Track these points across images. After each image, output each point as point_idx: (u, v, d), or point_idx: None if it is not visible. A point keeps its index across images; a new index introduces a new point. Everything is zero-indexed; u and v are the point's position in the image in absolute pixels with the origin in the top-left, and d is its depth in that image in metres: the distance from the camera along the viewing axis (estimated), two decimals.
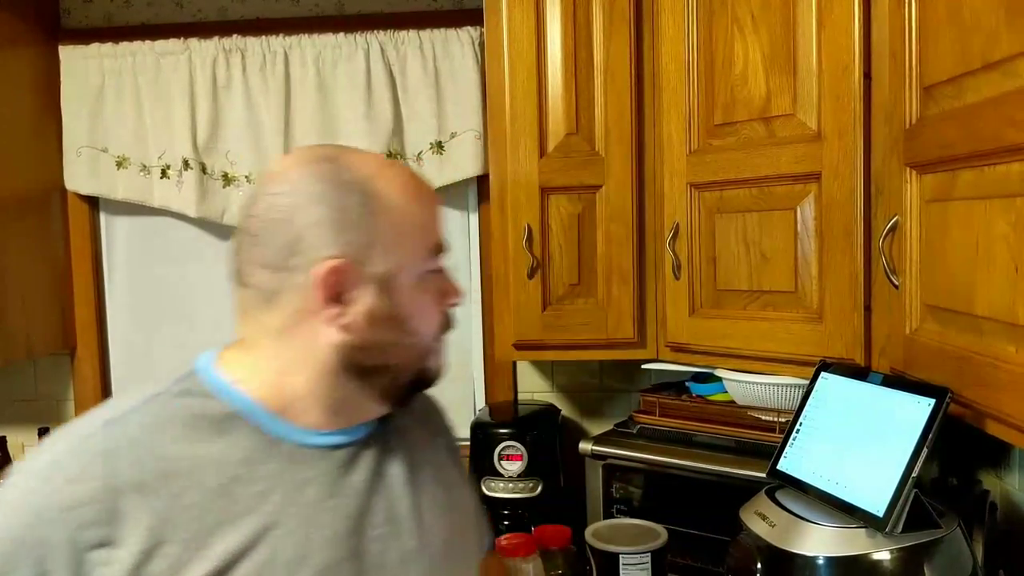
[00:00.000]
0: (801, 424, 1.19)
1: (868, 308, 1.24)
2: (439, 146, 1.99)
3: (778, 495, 1.18)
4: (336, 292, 0.80)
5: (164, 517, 0.76)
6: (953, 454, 1.36)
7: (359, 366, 0.84)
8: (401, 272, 0.83)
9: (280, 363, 0.84)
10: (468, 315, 2.10)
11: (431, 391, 0.97)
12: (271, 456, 0.82)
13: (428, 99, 1.98)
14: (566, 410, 2.05)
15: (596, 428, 1.93)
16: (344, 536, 0.83)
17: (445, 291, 0.89)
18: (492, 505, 1.77)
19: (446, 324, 0.90)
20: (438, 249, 0.88)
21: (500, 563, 1.24)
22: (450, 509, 0.95)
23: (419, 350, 0.87)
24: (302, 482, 0.83)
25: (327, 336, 0.82)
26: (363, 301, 0.82)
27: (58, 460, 0.77)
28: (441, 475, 0.97)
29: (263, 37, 1.99)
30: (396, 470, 0.91)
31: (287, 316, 0.82)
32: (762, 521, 1.14)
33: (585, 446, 1.65)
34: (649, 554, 1.41)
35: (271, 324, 0.83)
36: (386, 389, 0.87)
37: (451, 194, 2.06)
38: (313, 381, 0.84)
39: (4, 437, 2.06)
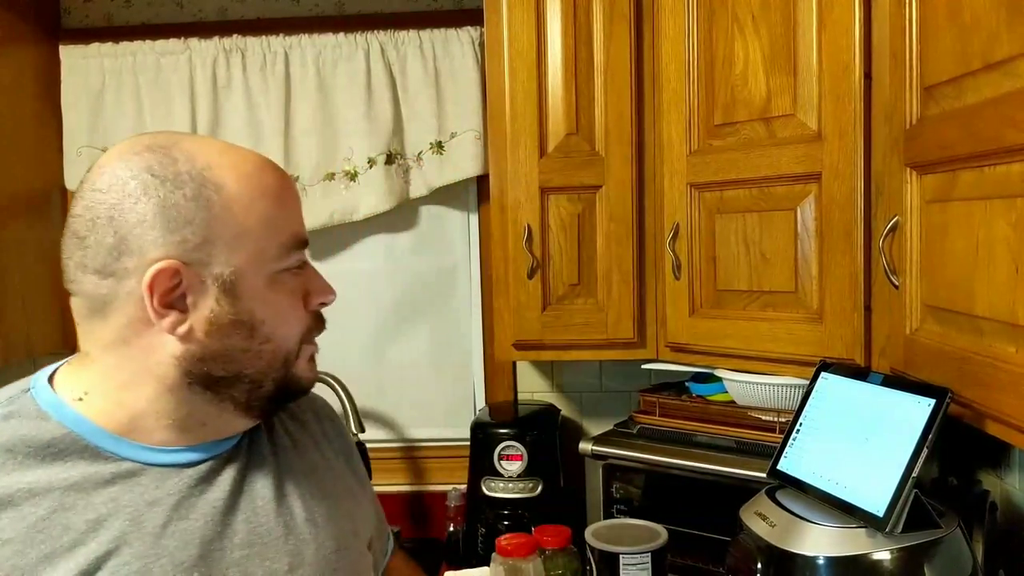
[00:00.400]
0: (801, 424, 1.19)
1: (868, 308, 1.24)
2: (439, 146, 1.99)
3: (778, 495, 1.18)
4: (171, 297, 0.74)
5: None
6: (953, 454, 1.36)
7: (206, 377, 0.77)
8: (247, 272, 0.76)
9: (119, 378, 0.77)
10: (468, 315, 2.10)
11: (312, 395, 0.92)
12: (109, 479, 0.75)
13: (428, 99, 1.98)
14: (566, 410, 2.05)
15: (596, 428, 1.93)
16: (193, 563, 0.76)
17: (311, 289, 0.82)
18: (492, 505, 1.77)
19: (314, 326, 0.83)
20: (296, 244, 0.80)
21: (408, 563, 1.18)
22: (335, 523, 0.88)
23: (278, 356, 0.79)
24: (146, 505, 0.75)
25: (167, 347, 0.75)
26: (204, 306, 0.75)
27: None
28: (326, 486, 0.90)
29: (263, 37, 1.99)
30: (263, 484, 0.83)
31: (122, 326, 0.75)
32: (762, 521, 1.14)
33: (585, 446, 1.65)
34: (649, 554, 1.41)
35: (106, 336, 0.76)
36: (244, 401, 0.79)
37: (451, 194, 2.06)
38: (156, 396, 0.77)
39: None
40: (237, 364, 0.77)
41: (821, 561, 1.04)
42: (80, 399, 0.77)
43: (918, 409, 1.00)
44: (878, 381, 1.10)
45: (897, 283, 1.11)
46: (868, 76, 1.21)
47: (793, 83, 1.32)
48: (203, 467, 0.80)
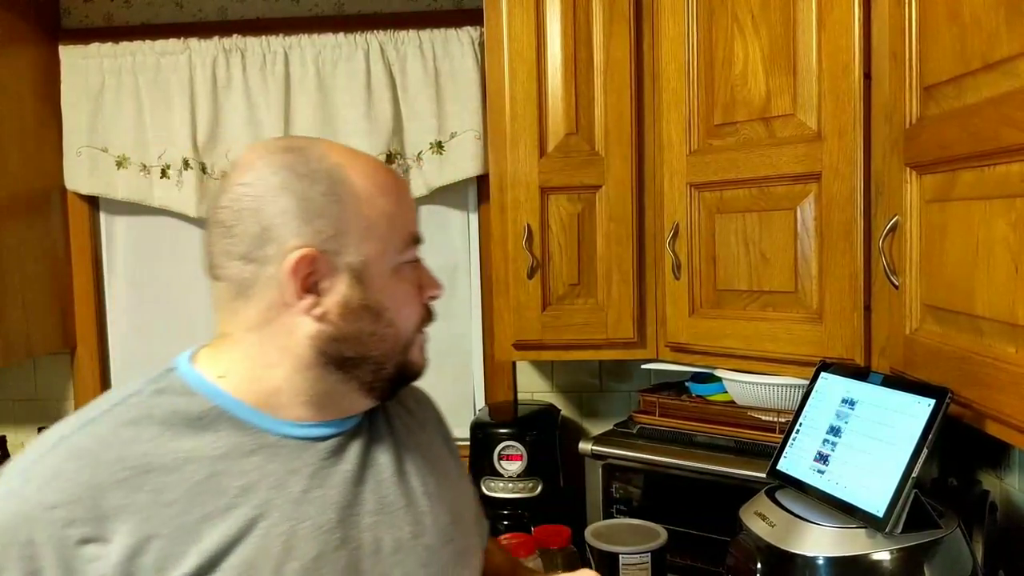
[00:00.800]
0: (801, 424, 1.19)
1: (868, 308, 1.24)
2: (439, 146, 1.99)
3: (778, 495, 1.18)
4: (308, 282, 0.80)
5: (148, 513, 0.76)
6: (953, 454, 1.36)
7: (338, 358, 0.83)
8: (374, 261, 0.83)
9: (259, 357, 0.83)
10: (468, 315, 2.10)
11: (421, 385, 0.97)
12: (254, 449, 0.82)
13: (428, 99, 1.98)
14: (566, 410, 2.05)
15: (596, 428, 1.93)
16: (333, 526, 0.83)
17: (423, 283, 0.89)
18: (492, 505, 1.77)
19: (427, 317, 0.90)
20: (413, 240, 0.87)
21: (502, 548, 1.23)
22: (446, 498, 0.95)
23: (399, 341, 0.86)
24: (287, 474, 0.82)
25: (303, 328, 0.82)
26: (337, 291, 0.82)
27: (40, 461, 0.77)
28: (435, 465, 0.97)
29: (263, 37, 1.99)
30: (385, 460, 0.90)
31: (263, 309, 0.82)
32: (762, 521, 1.14)
33: (585, 446, 1.65)
34: (649, 554, 1.41)
35: (248, 317, 0.83)
36: (369, 382, 0.86)
37: (451, 194, 2.06)
38: (293, 374, 0.83)
39: (4, 437, 2.06)
40: (364, 346, 0.84)
41: (821, 561, 1.04)
42: (222, 376, 0.84)
43: (918, 409, 1.00)
44: (878, 381, 1.10)
45: (897, 283, 1.11)
46: (868, 76, 1.21)
47: (793, 83, 1.32)
48: (333, 441, 0.86)
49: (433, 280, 0.91)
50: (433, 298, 0.90)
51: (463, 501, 1.00)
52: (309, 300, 0.81)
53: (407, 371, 0.89)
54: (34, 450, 0.79)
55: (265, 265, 0.80)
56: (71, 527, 0.73)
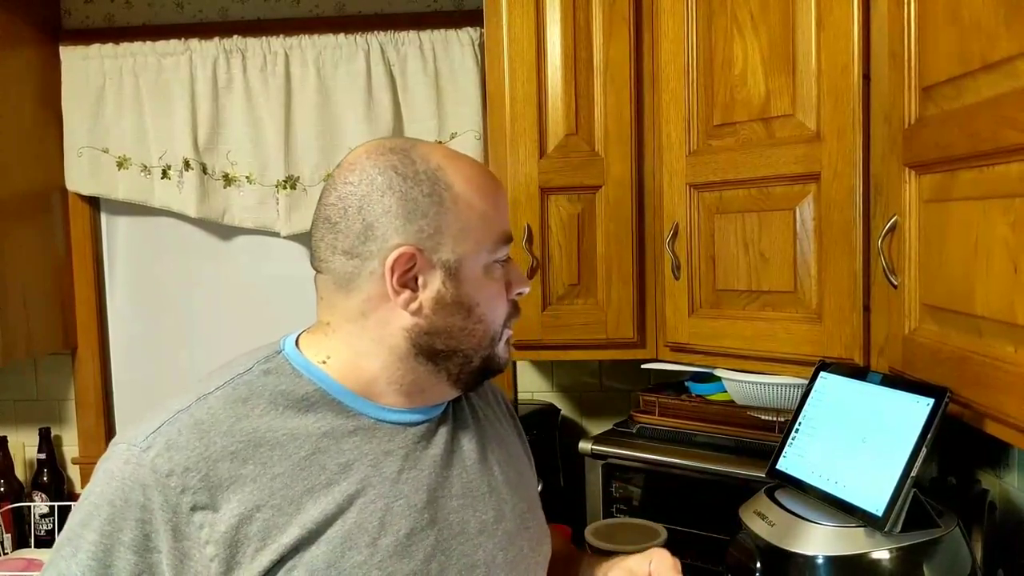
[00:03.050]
0: (800, 424, 1.19)
1: (867, 308, 1.24)
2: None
3: (777, 494, 1.18)
4: (406, 278, 0.85)
5: (257, 484, 0.81)
6: (952, 454, 1.36)
7: (430, 349, 0.88)
8: (468, 260, 0.87)
9: (357, 346, 0.89)
10: None
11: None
12: (353, 430, 0.87)
13: (428, 100, 1.98)
14: (566, 410, 2.05)
15: (596, 428, 1.93)
16: (423, 506, 0.88)
17: (512, 280, 0.93)
18: None
19: (513, 313, 0.94)
20: (505, 239, 0.91)
21: (557, 532, 1.26)
22: (521, 486, 1.01)
23: (487, 336, 0.91)
24: (383, 454, 0.88)
25: (399, 320, 0.87)
26: (432, 287, 0.87)
27: (158, 432, 0.81)
28: (510, 454, 1.03)
29: (263, 38, 2.00)
30: (468, 447, 0.96)
31: (362, 300, 0.87)
32: (761, 520, 1.14)
33: (585, 445, 1.65)
34: None
35: (348, 308, 0.88)
36: (456, 373, 0.91)
37: None
38: (388, 364, 0.89)
39: (4, 437, 2.06)
40: (455, 340, 0.89)
41: (820, 560, 1.05)
42: (324, 362, 0.89)
43: (917, 408, 1.00)
44: (877, 381, 1.10)
45: (896, 283, 1.11)
46: (867, 76, 1.22)
47: (792, 83, 1.32)
48: (422, 427, 0.92)
49: (521, 278, 0.95)
50: (520, 295, 0.95)
51: (533, 491, 1.07)
52: (406, 295, 0.86)
53: (492, 365, 0.94)
54: (150, 421, 0.83)
55: (367, 260, 0.85)
56: (184, 494, 0.78)
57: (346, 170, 0.88)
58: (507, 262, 0.93)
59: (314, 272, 0.91)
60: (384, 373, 0.89)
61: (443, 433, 0.94)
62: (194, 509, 0.78)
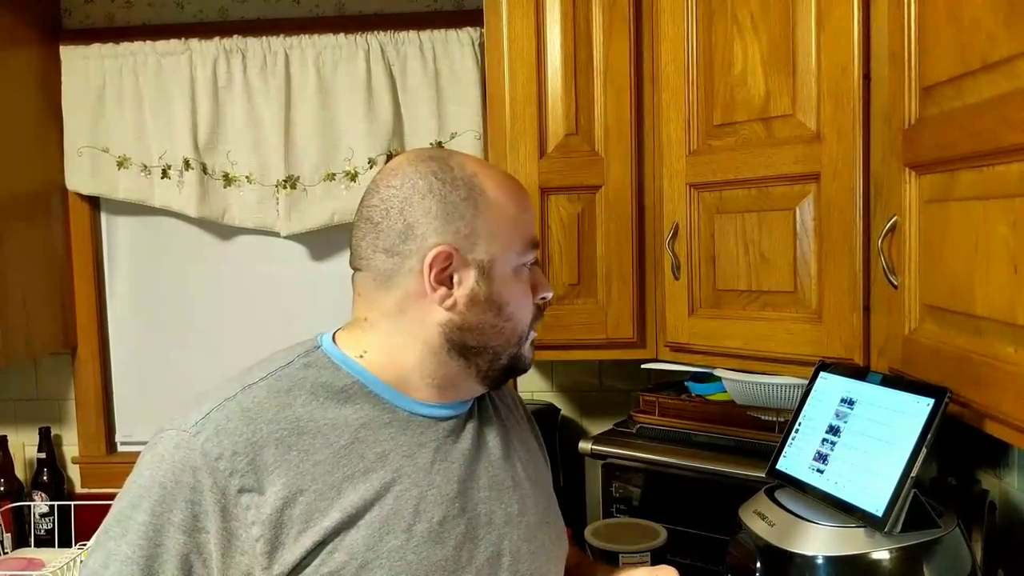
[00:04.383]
0: (800, 424, 1.19)
1: (867, 308, 1.24)
2: (439, 147, 1.99)
3: (777, 495, 1.18)
4: (443, 275, 0.91)
5: (300, 470, 0.85)
6: (952, 454, 1.36)
7: (461, 345, 0.93)
8: (500, 260, 0.93)
9: (394, 341, 0.93)
10: None
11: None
12: (388, 422, 0.92)
13: (428, 100, 1.98)
14: (566, 410, 2.05)
15: (596, 428, 1.93)
16: (454, 496, 0.93)
17: (537, 284, 0.99)
18: None
19: (538, 315, 1.00)
20: (532, 244, 0.97)
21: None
22: (540, 482, 1.07)
23: (515, 335, 0.96)
24: (416, 446, 0.92)
25: (435, 316, 0.92)
26: (466, 284, 0.92)
27: (207, 417, 0.86)
28: (529, 451, 1.08)
29: (264, 38, 2.00)
30: (493, 442, 1.01)
31: (400, 297, 0.92)
32: (761, 520, 1.14)
33: (585, 445, 1.65)
34: (649, 553, 1.42)
35: (386, 304, 0.93)
36: (485, 370, 0.96)
37: None
38: (423, 358, 0.93)
39: (5, 437, 2.06)
40: (485, 336, 0.94)
41: (820, 560, 1.05)
42: (361, 356, 0.94)
43: (917, 408, 1.00)
44: (877, 381, 1.10)
45: (896, 283, 1.11)
46: (867, 76, 1.22)
47: (792, 84, 1.32)
48: (452, 422, 0.97)
49: (545, 283, 1.01)
50: (544, 299, 1.00)
51: (552, 489, 1.11)
52: (442, 291, 0.91)
53: (518, 363, 0.99)
54: (198, 408, 0.87)
55: (407, 258, 0.91)
56: (232, 477, 0.83)
57: (389, 175, 0.94)
58: (534, 266, 0.99)
59: (352, 271, 0.96)
60: (418, 367, 0.94)
61: (471, 428, 0.99)
62: (241, 491, 0.82)
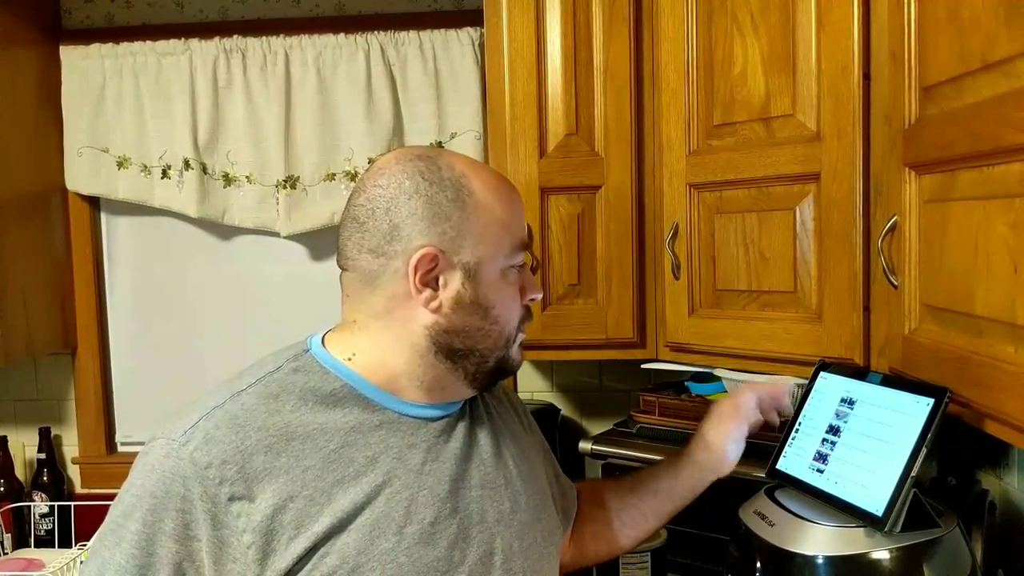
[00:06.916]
0: (800, 424, 1.19)
1: (867, 308, 1.24)
2: (439, 147, 2.00)
3: (777, 494, 1.18)
4: (428, 277, 0.90)
5: (290, 476, 0.85)
6: (952, 454, 1.36)
7: (448, 348, 0.92)
8: (486, 263, 0.92)
9: (382, 343, 0.93)
10: None
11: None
12: (378, 424, 0.91)
13: (428, 100, 1.98)
14: (566, 410, 2.05)
15: (596, 428, 1.93)
16: (446, 496, 0.92)
17: (526, 286, 0.97)
18: None
19: (526, 317, 0.99)
20: (521, 246, 0.96)
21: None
22: (533, 480, 1.05)
23: (502, 337, 0.95)
24: (407, 447, 0.92)
25: (421, 318, 0.91)
26: (452, 287, 0.91)
27: (196, 426, 0.85)
28: (522, 449, 1.07)
29: (263, 37, 2.00)
30: (484, 441, 1.00)
31: (387, 298, 0.91)
32: (762, 521, 1.14)
33: (585, 445, 1.65)
34: (649, 553, 1.42)
35: (373, 305, 0.92)
36: (472, 372, 0.95)
37: None
38: (411, 361, 0.93)
39: (5, 437, 2.06)
40: (472, 339, 0.93)
41: (820, 560, 1.04)
42: (350, 359, 0.94)
43: (917, 408, 1.00)
44: (877, 381, 1.10)
45: (896, 283, 1.11)
46: (867, 76, 1.22)
47: (792, 83, 1.32)
48: (442, 422, 0.96)
49: (535, 284, 1.00)
50: (533, 300, 0.99)
51: (545, 485, 1.10)
52: (427, 293, 0.90)
53: (506, 366, 0.98)
54: (187, 417, 0.87)
55: (392, 259, 0.90)
56: (222, 485, 0.82)
57: (375, 174, 0.93)
58: (522, 268, 0.97)
59: (340, 271, 0.95)
60: (407, 370, 0.93)
61: (461, 428, 0.98)
62: (232, 499, 0.82)
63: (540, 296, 1.00)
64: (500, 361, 0.97)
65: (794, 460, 1.16)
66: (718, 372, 1.57)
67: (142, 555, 0.82)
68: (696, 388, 1.69)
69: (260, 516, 0.83)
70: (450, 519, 0.92)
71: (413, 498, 0.90)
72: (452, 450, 0.96)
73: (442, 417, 0.96)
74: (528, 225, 1.59)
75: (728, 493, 1.34)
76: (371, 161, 1.99)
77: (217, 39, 2.00)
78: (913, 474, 0.98)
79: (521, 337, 0.98)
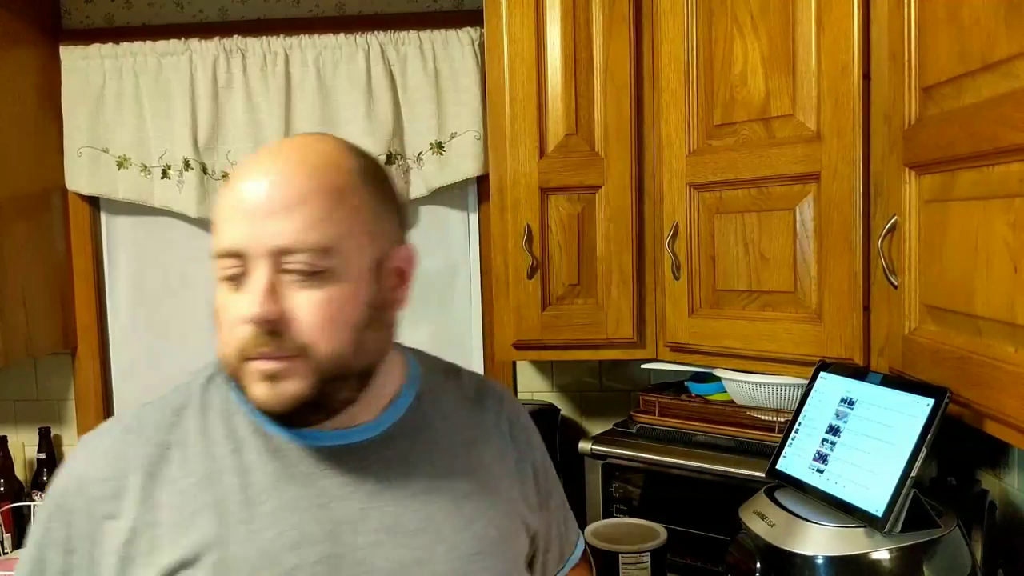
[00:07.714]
0: (800, 424, 1.19)
1: (867, 308, 1.24)
2: (439, 146, 1.99)
3: (777, 495, 1.18)
4: None
5: (155, 501, 0.80)
6: (952, 454, 1.36)
7: None
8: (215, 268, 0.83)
9: None
10: (468, 315, 2.10)
11: (512, 399, 1.02)
12: (259, 449, 0.83)
13: (428, 100, 1.98)
14: (566, 410, 2.05)
15: (596, 428, 1.93)
16: (319, 538, 0.80)
17: (224, 304, 0.81)
18: None
19: (251, 343, 0.79)
20: (220, 252, 0.79)
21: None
22: (477, 524, 0.87)
23: (225, 362, 0.81)
24: (286, 479, 0.81)
25: None
26: None
27: (93, 438, 0.85)
28: (483, 487, 0.90)
29: (263, 37, 1.99)
30: (414, 477, 0.86)
31: None
32: (761, 521, 1.14)
33: (585, 445, 1.65)
34: (649, 553, 1.42)
35: None
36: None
37: (451, 194, 2.06)
38: None
39: (4, 437, 2.06)
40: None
41: (820, 560, 1.04)
42: None
43: (917, 409, 1.00)
44: (877, 381, 1.10)
45: (896, 283, 1.11)
46: (867, 76, 1.22)
47: (792, 84, 1.32)
48: (343, 452, 0.84)
49: (238, 304, 0.79)
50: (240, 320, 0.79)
51: (508, 533, 0.91)
52: None
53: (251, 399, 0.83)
54: (97, 429, 0.86)
55: None
56: (99, 503, 0.80)
57: None
58: (232, 280, 0.79)
59: None
60: None
61: (377, 460, 0.85)
62: (106, 518, 0.80)
63: (248, 317, 0.76)
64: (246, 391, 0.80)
65: (794, 460, 1.16)
66: (718, 372, 1.57)
67: (39, 558, 0.83)
68: (696, 388, 1.69)
69: (122, 539, 0.79)
70: (319, 566, 0.79)
71: (278, 537, 0.79)
72: (347, 484, 0.82)
73: (341, 445, 0.84)
74: (528, 225, 1.61)
75: (728, 493, 1.35)
76: None
77: (217, 39, 2.00)
78: (913, 474, 0.98)
79: (254, 367, 0.77)
